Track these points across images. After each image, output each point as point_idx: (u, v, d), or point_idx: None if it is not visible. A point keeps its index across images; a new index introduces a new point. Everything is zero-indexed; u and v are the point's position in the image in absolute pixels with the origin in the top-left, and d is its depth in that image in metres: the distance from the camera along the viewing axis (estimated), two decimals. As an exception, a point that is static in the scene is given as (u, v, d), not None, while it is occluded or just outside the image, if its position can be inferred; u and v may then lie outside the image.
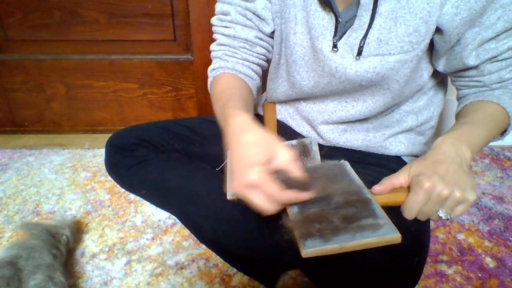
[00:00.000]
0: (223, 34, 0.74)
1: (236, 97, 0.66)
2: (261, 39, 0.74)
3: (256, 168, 0.47)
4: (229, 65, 0.74)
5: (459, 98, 0.72)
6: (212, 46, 0.77)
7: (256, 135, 0.50)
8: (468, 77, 0.67)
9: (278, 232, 0.49)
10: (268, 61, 0.79)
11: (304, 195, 0.49)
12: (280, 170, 0.49)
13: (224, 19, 0.73)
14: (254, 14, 0.71)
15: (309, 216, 0.48)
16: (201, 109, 1.37)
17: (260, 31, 0.73)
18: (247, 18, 0.71)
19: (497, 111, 0.63)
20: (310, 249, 0.44)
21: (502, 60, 0.63)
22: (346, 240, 0.44)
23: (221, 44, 0.75)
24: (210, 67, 0.77)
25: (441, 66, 0.68)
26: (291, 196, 0.48)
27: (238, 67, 0.74)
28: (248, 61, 0.75)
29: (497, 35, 0.60)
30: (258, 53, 0.75)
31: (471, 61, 0.63)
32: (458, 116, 0.68)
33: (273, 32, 0.73)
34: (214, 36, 0.76)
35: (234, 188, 0.49)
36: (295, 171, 0.49)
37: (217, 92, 0.70)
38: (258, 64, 0.77)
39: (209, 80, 0.77)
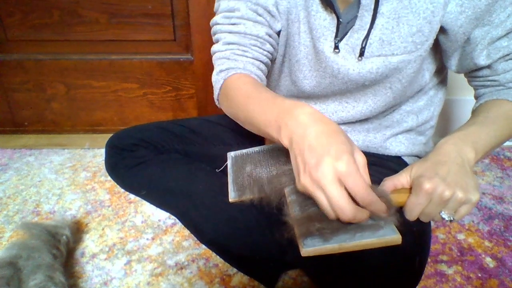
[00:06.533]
0: (230, 32, 0.68)
1: (274, 93, 0.59)
2: (270, 36, 0.69)
3: (346, 155, 0.40)
4: (239, 65, 0.67)
5: (476, 98, 0.71)
6: (217, 47, 0.70)
7: (336, 126, 0.45)
8: (482, 76, 0.66)
9: (279, 231, 0.48)
10: (273, 60, 0.76)
11: (383, 206, 0.43)
12: None
13: (232, 16, 0.68)
14: (265, 10, 0.67)
15: (310, 214, 0.48)
16: (201, 109, 1.37)
17: (270, 27, 0.69)
18: (258, 14, 0.67)
19: None
20: (309, 248, 0.44)
21: None
22: (345, 240, 0.44)
23: (229, 43, 0.68)
24: (218, 69, 0.69)
25: (454, 67, 0.68)
26: (373, 198, 0.42)
27: (249, 67, 0.67)
28: (258, 60, 0.69)
29: (509, 33, 0.60)
30: (267, 51, 0.70)
31: (482, 61, 0.63)
32: (471, 115, 0.67)
33: (280, 31, 0.71)
34: (218, 36, 0.70)
35: (305, 183, 0.42)
36: (366, 177, 0.43)
37: (246, 89, 0.62)
38: (266, 64, 0.71)
39: (219, 83, 0.68)
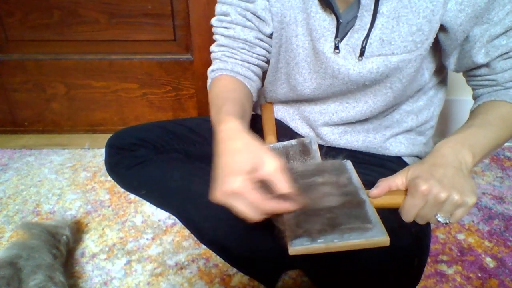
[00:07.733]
0: (222, 35, 0.73)
1: (231, 101, 0.64)
2: (261, 39, 0.72)
3: (239, 177, 0.44)
4: (228, 66, 0.72)
5: (474, 98, 0.71)
6: (212, 47, 0.76)
7: (242, 142, 0.48)
8: (480, 76, 0.66)
9: (274, 230, 0.49)
10: (269, 62, 0.77)
11: (287, 205, 0.44)
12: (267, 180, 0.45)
13: (224, 20, 0.72)
14: (254, 14, 0.70)
15: (300, 214, 0.48)
16: (201, 109, 1.37)
17: (260, 32, 0.71)
18: (247, 19, 0.70)
19: (511, 112, 0.62)
20: (296, 247, 0.44)
21: None
22: (333, 240, 0.44)
23: (221, 45, 0.74)
24: (210, 68, 0.75)
25: (452, 66, 0.67)
26: (275, 205, 0.44)
27: (237, 69, 0.72)
28: (247, 62, 0.73)
29: (507, 31, 0.59)
30: (258, 54, 0.74)
31: (481, 59, 0.62)
32: (469, 116, 0.66)
33: (272, 34, 0.72)
34: (214, 37, 0.75)
35: (216, 195, 0.46)
36: (281, 182, 0.44)
37: (213, 95, 0.69)
38: (258, 65, 0.75)
39: (208, 81, 0.75)
